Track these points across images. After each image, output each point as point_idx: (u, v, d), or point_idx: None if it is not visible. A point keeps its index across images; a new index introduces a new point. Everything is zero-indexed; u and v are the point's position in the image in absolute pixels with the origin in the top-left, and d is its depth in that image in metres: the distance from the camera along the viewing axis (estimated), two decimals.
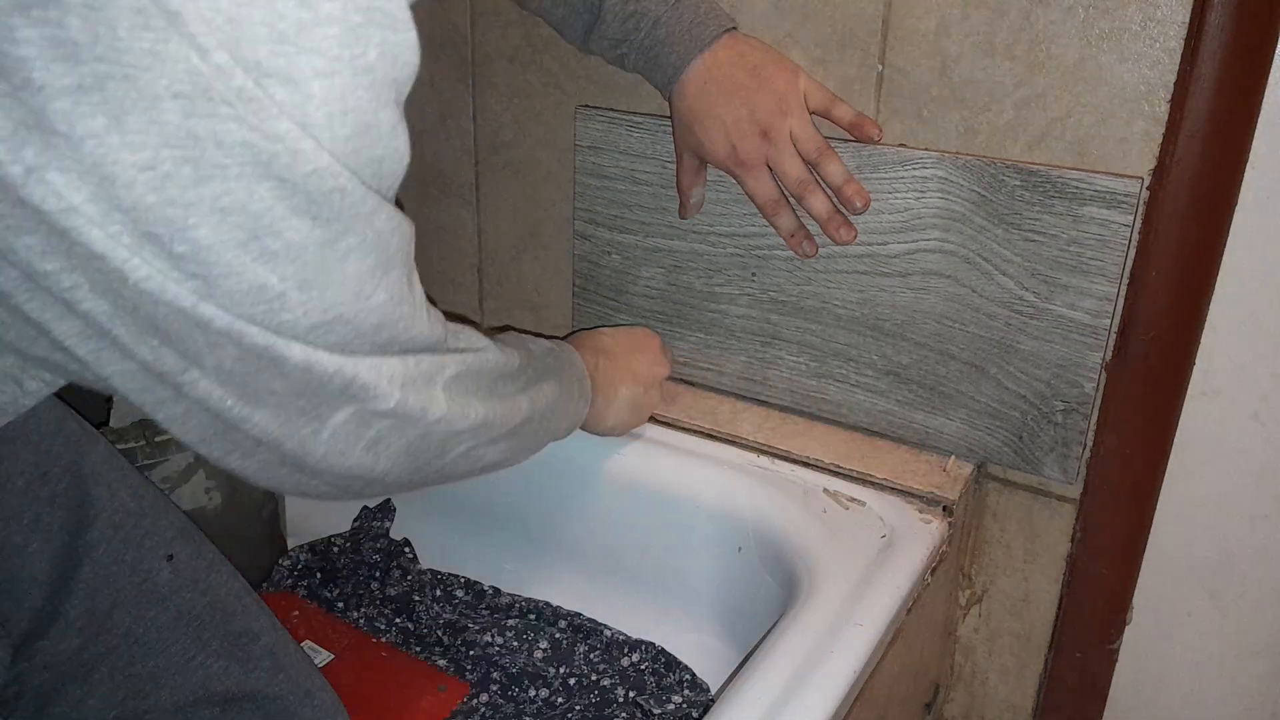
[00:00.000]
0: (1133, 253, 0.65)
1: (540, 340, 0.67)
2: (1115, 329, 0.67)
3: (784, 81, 0.69)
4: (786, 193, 0.71)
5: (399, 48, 0.36)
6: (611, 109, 0.81)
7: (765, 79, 0.69)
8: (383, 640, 0.79)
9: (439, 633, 0.79)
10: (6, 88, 0.30)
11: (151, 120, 0.32)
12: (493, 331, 0.71)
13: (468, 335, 0.53)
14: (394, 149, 0.40)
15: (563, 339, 0.73)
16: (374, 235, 0.40)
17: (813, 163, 0.70)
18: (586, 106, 0.82)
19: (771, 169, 0.70)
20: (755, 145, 0.69)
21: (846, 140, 0.71)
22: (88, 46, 0.30)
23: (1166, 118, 0.62)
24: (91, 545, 0.52)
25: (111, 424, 0.71)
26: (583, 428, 0.71)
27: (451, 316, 0.52)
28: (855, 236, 0.71)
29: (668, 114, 0.74)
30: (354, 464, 0.45)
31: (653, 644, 0.76)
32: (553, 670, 0.75)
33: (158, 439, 0.71)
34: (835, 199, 0.71)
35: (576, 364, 0.68)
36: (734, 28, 0.71)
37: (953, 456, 0.74)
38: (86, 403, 0.85)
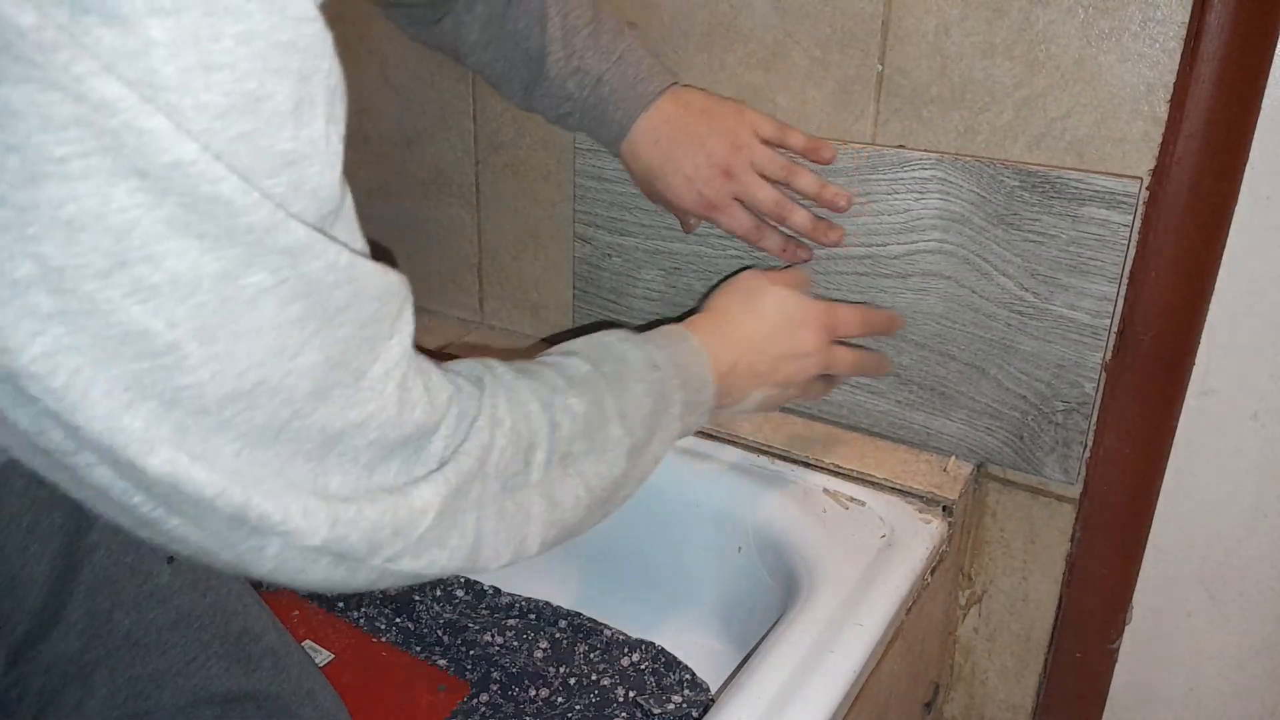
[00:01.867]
0: (1132, 253, 0.65)
1: (645, 349, 0.53)
2: (1115, 329, 0.67)
3: (732, 118, 0.70)
4: (767, 219, 0.72)
5: None
6: None
7: (714, 120, 0.69)
8: (383, 640, 0.79)
9: (439, 632, 0.79)
10: None
11: None
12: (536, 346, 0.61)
13: (489, 405, 0.41)
14: (306, 141, 0.29)
15: (716, 287, 0.64)
16: (299, 279, 0.30)
17: (784, 183, 0.71)
18: None
19: (743, 202, 0.71)
20: (720, 186, 0.69)
21: (847, 141, 0.71)
22: None
23: (1166, 118, 0.62)
24: (91, 548, 0.52)
25: None
26: None
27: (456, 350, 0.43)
28: (843, 235, 0.72)
29: None
30: (320, 580, 0.35)
31: (653, 644, 0.76)
32: (553, 670, 0.75)
33: None
34: (816, 206, 0.72)
35: (693, 375, 0.55)
36: (675, 83, 0.71)
37: (953, 457, 0.74)
38: None
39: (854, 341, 0.69)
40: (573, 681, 0.74)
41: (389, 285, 0.34)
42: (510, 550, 0.43)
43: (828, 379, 0.68)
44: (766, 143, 0.70)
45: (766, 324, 0.61)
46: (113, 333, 0.27)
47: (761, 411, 0.64)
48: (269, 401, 0.30)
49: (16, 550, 0.50)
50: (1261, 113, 0.61)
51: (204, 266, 0.28)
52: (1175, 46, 0.60)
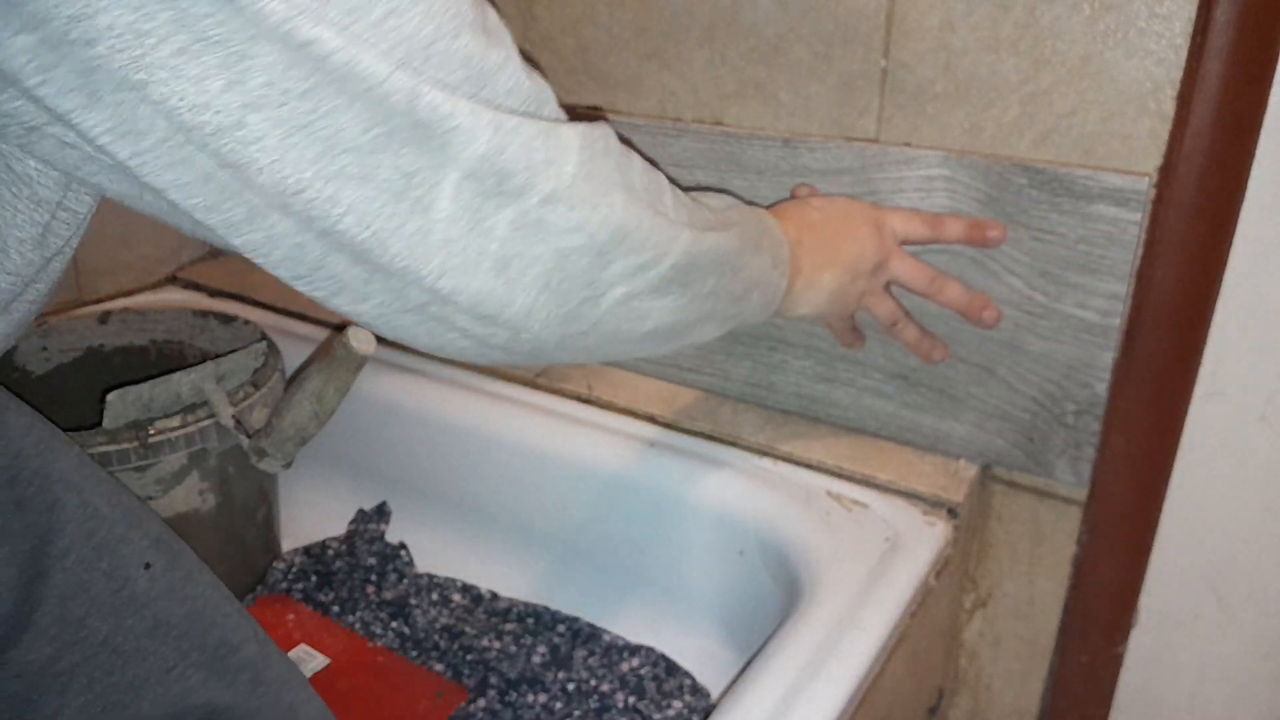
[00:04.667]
0: (1140, 252, 0.64)
1: (724, 195, 0.58)
2: (1122, 329, 0.66)
3: None
4: None
5: None
6: (614, 111, 0.80)
7: None
8: (379, 645, 0.78)
9: (436, 637, 0.78)
10: None
11: None
12: None
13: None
14: None
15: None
16: None
17: None
18: (588, 109, 0.82)
19: None
20: None
21: (852, 139, 0.71)
22: None
23: (1173, 115, 0.61)
24: (63, 552, 0.50)
25: (105, 425, 0.70)
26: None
27: None
28: None
29: (668, 115, 0.74)
30: (483, 289, 0.38)
31: (653, 649, 0.75)
32: (551, 675, 0.74)
33: (151, 440, 0.70)
34: None
35: (772, 229, 0.58)
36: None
37: (961, 459, 0.73)
38: (79, 405, 0.84)
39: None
40: (571, 687, 0.73)
41: None
42: (653, 253, 0.44)
43: (911, 322, 0.69)
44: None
45: (819, 213, 0.65)
46: None
47: (835, 310, 0.66)
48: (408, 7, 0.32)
49: None
50: (1268, 110, 0.61)
51: None
52: (1182, 42, 0.60)
